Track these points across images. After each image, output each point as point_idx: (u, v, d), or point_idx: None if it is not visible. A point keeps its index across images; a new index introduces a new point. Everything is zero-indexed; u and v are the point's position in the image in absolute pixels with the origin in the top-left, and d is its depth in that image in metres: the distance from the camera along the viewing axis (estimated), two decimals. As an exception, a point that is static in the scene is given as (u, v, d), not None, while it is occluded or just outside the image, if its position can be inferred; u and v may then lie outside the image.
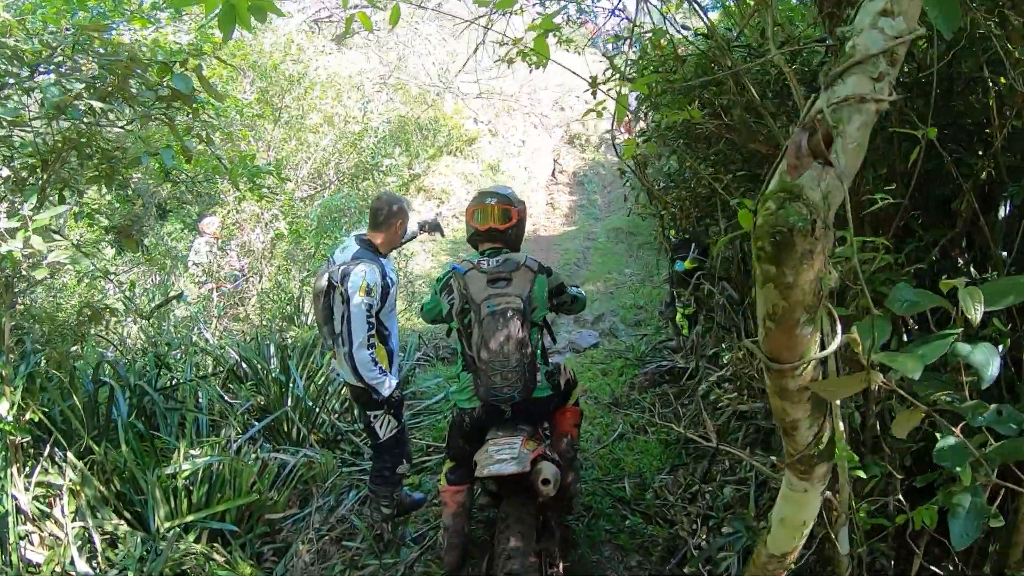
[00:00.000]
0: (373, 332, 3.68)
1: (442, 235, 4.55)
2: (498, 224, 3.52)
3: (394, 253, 5.19)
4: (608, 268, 11.24)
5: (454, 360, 7.54)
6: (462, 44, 14.97)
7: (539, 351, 3.46)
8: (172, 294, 6.67)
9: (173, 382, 5.21)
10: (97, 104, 3.58)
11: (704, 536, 3.61)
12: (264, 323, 7.29)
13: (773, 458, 3.75)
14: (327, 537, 4.15)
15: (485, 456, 3.16)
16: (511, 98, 17.01)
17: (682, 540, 3.72)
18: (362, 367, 3.65)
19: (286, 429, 5.07)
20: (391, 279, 3.87)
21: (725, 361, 5.11)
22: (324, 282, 3.78)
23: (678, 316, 6.81)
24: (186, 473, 3.85)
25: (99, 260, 8.05)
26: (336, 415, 5.55)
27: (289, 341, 6.43)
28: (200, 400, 4.98)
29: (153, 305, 6.19)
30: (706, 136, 3.43)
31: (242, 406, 5.04)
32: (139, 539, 3.52)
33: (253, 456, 4.35)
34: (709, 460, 4.39)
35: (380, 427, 3.93)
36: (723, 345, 5.46)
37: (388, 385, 3.76)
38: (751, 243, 1.25)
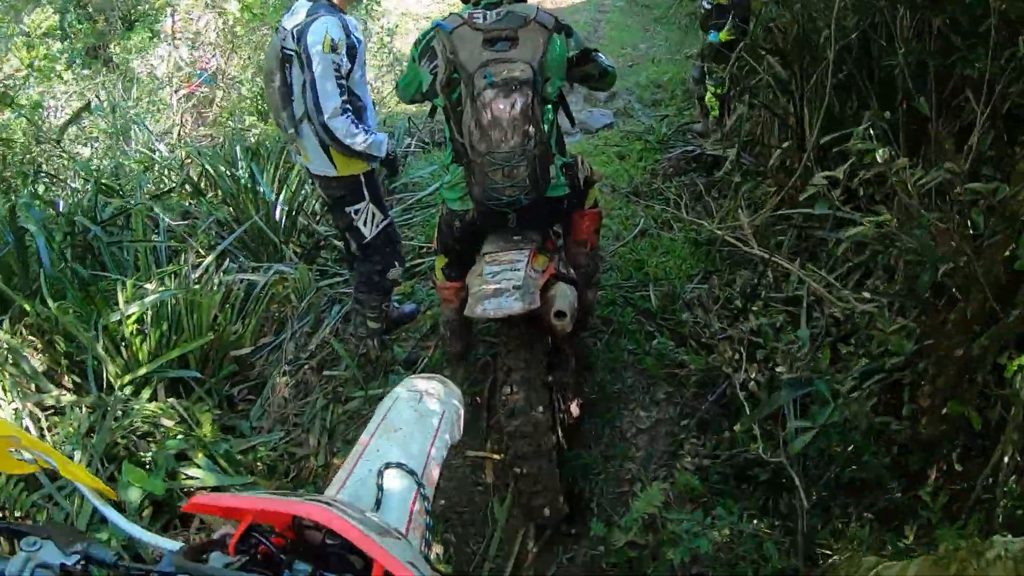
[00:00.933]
0: (346, 96, 2.96)
1: (395, 174, 3.70)
2: None
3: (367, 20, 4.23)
4: (622, 43, 10.19)
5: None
6: None
7: (553, 137, 2.58)
8: (78, 108, 5.74)
9: (124, 209, 4.46)
10: None
11: (753, 374, 2.90)
12: (228, 124, 6.37)
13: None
14: (307, 367, 3.61)
15: (480, 283, 2.39)
16: None
17: (721, 373, 3.09)
18: (344, 134, 2.95)
19: (260, 241, 4.41)
20: (356, 38, 3.04)
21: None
22: (277, 56, 3.05)
23: (707, 96, 5.96)
24: (133, 317, 3.21)
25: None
26: (317, 218, 4.87)
27: (254, 140, 5.59)
28: (159, 221, 4.27)
29: (63, 123, 5.29)
30: None
31: (203, 223, 4.35)
32: (83, 407, 2.94)
33: (216, 281, 3.71)
34: (755, 272, 3.70)
35: (365, 223, 3.29)
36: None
37: (381, 143, 3.10)
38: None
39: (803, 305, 3.19)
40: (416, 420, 1.62)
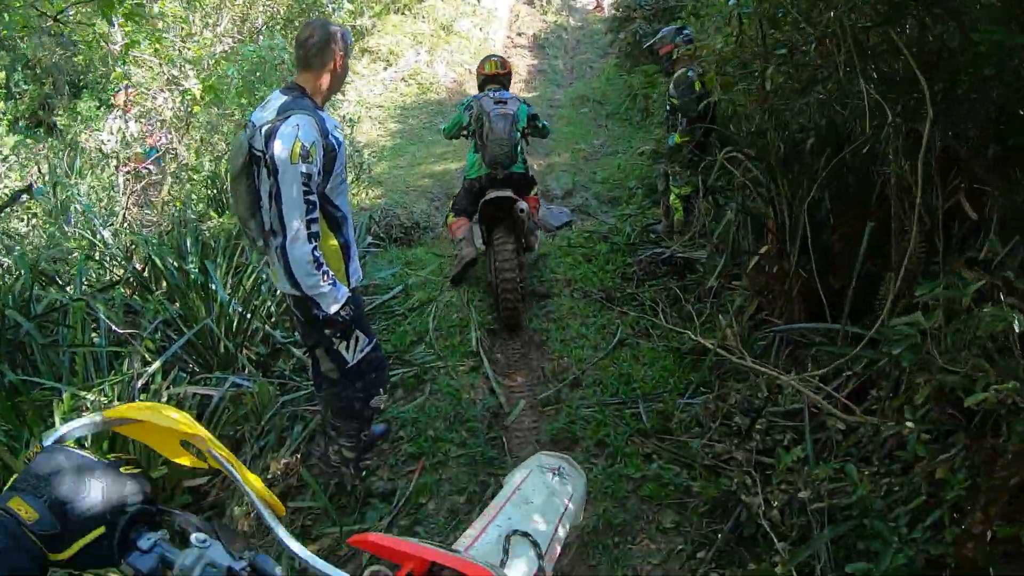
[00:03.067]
0: (316, 215, 2.57)
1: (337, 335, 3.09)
2: (499, 71, 5.47)
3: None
4: (575, 138, 10.21)
5: (406, 241, 6.77)
6: None
7: (519, 143, 5.04)
8: (18, 190, 5.29)
9: (61, 304, 4.00)
10: None
11: (775, 503, 2.58)
12: (178, 211, 5.92)
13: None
14: (269, 496, 3.20)
15: (488, 194, 4.84)
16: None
17: (732, 495, 2.78)
18: (299, 268, 2.55)
19: (211, 345, 3.99)
20: (335, 138, 2.69)
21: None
22: (243, 156, 2.64)
23: (672, 197, 5.89)
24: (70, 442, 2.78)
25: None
26: (272, 320, 4.50)
27: (207, 233, 5.21)
28: (99, 318, 3.82)
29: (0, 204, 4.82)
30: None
31: (151, 324, 3.92)
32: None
33: (164, 396, 3.31)
34: (748, 385, 3.49)
35: (348, 348, 2.87)
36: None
37: (336, 298, 2.67)
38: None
39: (805, 420, 2.99)
40: (547, 496, 1.73)
